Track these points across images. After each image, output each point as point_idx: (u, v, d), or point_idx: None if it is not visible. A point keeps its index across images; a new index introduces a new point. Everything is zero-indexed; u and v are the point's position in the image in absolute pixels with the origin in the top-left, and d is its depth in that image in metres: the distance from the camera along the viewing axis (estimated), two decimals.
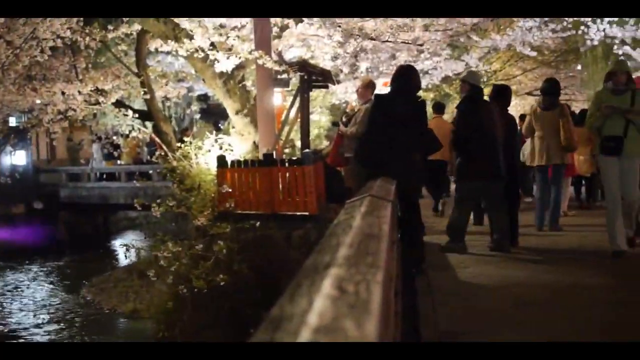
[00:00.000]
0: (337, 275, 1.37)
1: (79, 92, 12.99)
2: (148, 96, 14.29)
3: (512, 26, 16.31)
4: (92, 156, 25.26)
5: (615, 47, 15.10)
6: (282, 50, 14.35)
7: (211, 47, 12.13)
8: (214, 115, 28.24)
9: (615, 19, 14.14)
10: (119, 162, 24.61)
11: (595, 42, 15.00)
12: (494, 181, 7.90)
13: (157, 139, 14.56)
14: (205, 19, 11.97)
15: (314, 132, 18.99)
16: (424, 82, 16.41)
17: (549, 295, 5.84)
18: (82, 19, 12.15)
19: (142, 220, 22.08)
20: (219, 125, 24.29)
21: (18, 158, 25.81)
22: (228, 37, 12.25)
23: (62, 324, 14.54)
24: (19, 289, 18.12)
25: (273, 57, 12.33)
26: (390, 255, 2.30)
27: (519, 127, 10.16)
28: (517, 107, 23.23)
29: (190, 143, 12.55)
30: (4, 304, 16.62)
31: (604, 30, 14.47)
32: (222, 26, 12.89)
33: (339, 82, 15.82)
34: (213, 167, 12.05)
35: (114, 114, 14.16)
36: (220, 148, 12.55)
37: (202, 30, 11.96)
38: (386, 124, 6.80)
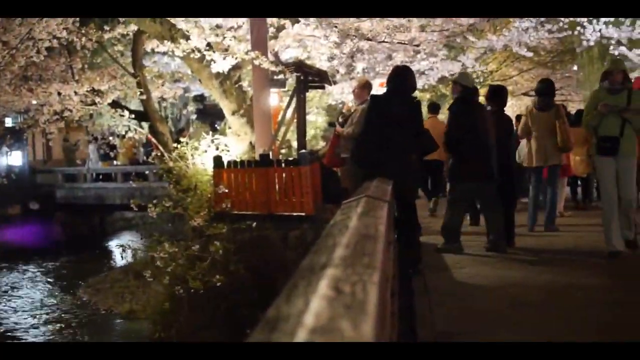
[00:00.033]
0: (334, 276, 1.37)
1: (75, 92, 12.96)
2: (144, 97, 14.27)
3: (508, 27, 16.34)
4: (89, 157, 25.23)
5: (611, 47, 15.13)
6: (279, 51, 14.35)
7: (207, 48, 12.11)
8: (210, 116, 28.28)
9: (611, 20, 14.17)
10: (115, 162, 24.59)
11: (591, 43, 15.03)
12: (487, 182, 7.91)
13: (153, 140, 14.53)
14: (202, 19, 11.97)
15: (310, 132, 19.00)
16: (420, 83, 16.43)
17: (545, 295, 5.85)
18: (78, 19, 12.14)
19: (139, 220, 22.02)
20: (216, 125, 24.32)
21: (14, 159, 25.79)
22: (224, 37, 12.25)
23: (58, 325, 14.51)
24: (15, 290, 18.08)
25: (269, 58, 12.33)
26: (386, 256, 2.30)
27: (515, 128, 10.18)
28: (513, 107, 23.24)
29: (187, 143, 12.55)
30: (0, 304, 16.58)
31: (599, 30, 14.51)
32: (218, 26, 12.88)
33: (335, 82, 15.82)
34: (209, 167, 12.04)
35: (110, 114, 14.15)
36: (217, 148, 12.55)
37: (198, 31, 11.94)
38: (382, 125, 6.81)
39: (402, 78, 7.10)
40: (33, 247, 22.02)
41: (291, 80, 13.27)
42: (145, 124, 15.50)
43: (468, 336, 4.61)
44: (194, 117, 30.68)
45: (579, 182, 13.11)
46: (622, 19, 14.26)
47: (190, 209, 11.60)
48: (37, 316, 15.29)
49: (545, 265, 7.23)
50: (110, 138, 21.69)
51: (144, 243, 14.18)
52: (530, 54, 18.35)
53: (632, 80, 8.16)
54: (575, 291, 5.93)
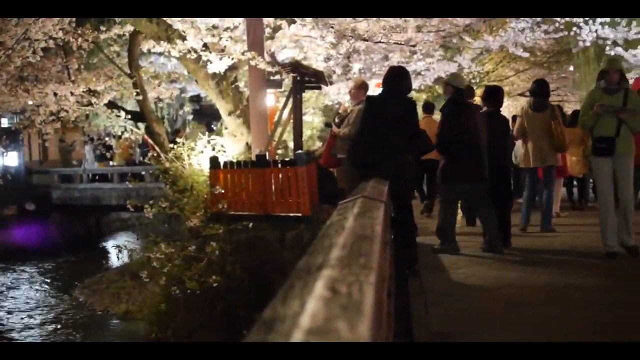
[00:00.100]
0: (330, 277, 1.37)
1: (72, 93, 12.96)
2: (140, 97, 14.27)
3: (504, 27, 16.34)
4: (85, 157, 25.27)
5: (608, 48, 15.14)
6: (275, 51, 14.34)
7: (204, 48, 12.11)
8: (206, 116, 28.28)
9: (607, 20, 14.19)
10: (111, 163, 24.64)
11: (588, 43, 15.03)
12: (479, 183, 7.91)
13: (149, 140, 14.53)
14: (198, 19, 11.96)
15: (306, 133, 19.02)
16: (416, 83, 16.45)
17: (543, 296, 5.85)
18: (74, 19, 12.13)
19: (135, 221, 22.06)
20: (212, 126, 24.31)
21: (10, 159, 25.78)
22: (221, 38, 12.24)
23: (54, 325, 14.51)
24: (11, 291, 18.06)
25: (266, 58, 12.32)
26: (383, 257, 2.30)
27: (511, 128, 10.19)
28: (509, 108, 23.23)
29: (183, 144, 12.53)
30: None
31: (596, 31, 14.51)
32: (214, 27, 12.87)
33: (331, 83, 15.82)
34: (206, 168, 12.03)
35: (106, 115, 14.15)
36: (213, 149, 12.54)
37: (194, 31, 11.94)
38: (378, 125, 6.81)
39: (397, 79, 7.10)
40: (29, 248, 22.01)
41: (287, 80, 13.26)
42: (141, 125, 15.50)
43: (464, 337, 4.61)
44: (190, 117, 30.69)
45: (575, 183, 13.12)
46: (618, 20, 14.28)
47: (187, 210, 11.59)
48: (33, 317, 15.28)
49: (542, 266, 7.22)
50: (107, 139, 21.63)
51: (140, 244, 14.19)
52: (526, 55, 18.34)
53: (632, 81, 8.14)
54: (573, 291, 5.93)
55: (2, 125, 24.06)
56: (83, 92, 13.09)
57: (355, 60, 15.93)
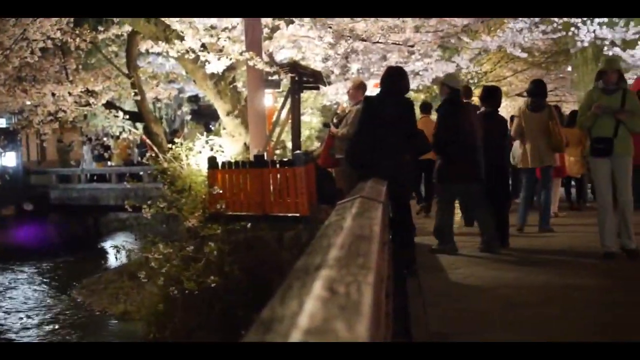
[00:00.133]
0: (328, 277, 1.37)
1: (70, 93, 12.94)
2: (139, 97, 14.24)
3: (502, 27, 16.36)
4: (83, 157, 25.22)
5: (606, 48, 15.17)
6: (273, 52, 14.34)
7: (202, 49, 12.09)
8: (204, 117, 28.19)
9: (605, 20, 14.21)
10: (109, 163, 24.58)
11: (586, 44, 15.07)
12: (474, 183, 7.92)
13: (147, 141, 14.51)
14: (196, 20, 11.95)
15: (305, 133, 18.96)
16: (414, 84, 16.46)
17: (542, 296, 5.85)
18: (72, 19, 12.12)
19: (133, 221, 21.98)
20: (210, 126, 24.24)
21: (8, 159, 25.72)
22: (219, 38, 12.22)
23: (52, 326, 14.49)
24: (9, 290, 18.04)
25: (264, 59, 12.32)
26: (381, 257, 2.30)
27: (509, 129, 10.19)
28: (507, 108, 23.23)
29: (181, 144, 12.52)
30: None
31: (594, 31, 14.55)
32: (213, 27, 12.85)
33: (329, 83, 15.82)
34: (204, 168, 12.02)
35: (104, 115, 14.13)
36: (211, 149, 12.53)
37: (192, 32, 11.93)
38: (376, 126, 6.82)
39: (395, 79, 7.11)
40: (27, 248, 21.97)
41: (286, 81, 13.25)
42: (139, 125, 15.47)
43: (462, 337, 4.61)
44: (188, 117, 30.61)
45: (573, 183, 13.13)
46: (616, 20, 14.30)
47: (185, 210, 11.58)
48: (31, 317, 15.26)
49: (541, 266, 7.23)
50: (105, 139, 21.67)
51: (138, 244, 14.16)
52: (524, 55, 18.37)
53: (631, 81, 8.13)
54: (572, 291, 5.93)
55: (0, 126, 24.03)
56: (81, 92, 13.07)
57: (354, 60, 15.93)
